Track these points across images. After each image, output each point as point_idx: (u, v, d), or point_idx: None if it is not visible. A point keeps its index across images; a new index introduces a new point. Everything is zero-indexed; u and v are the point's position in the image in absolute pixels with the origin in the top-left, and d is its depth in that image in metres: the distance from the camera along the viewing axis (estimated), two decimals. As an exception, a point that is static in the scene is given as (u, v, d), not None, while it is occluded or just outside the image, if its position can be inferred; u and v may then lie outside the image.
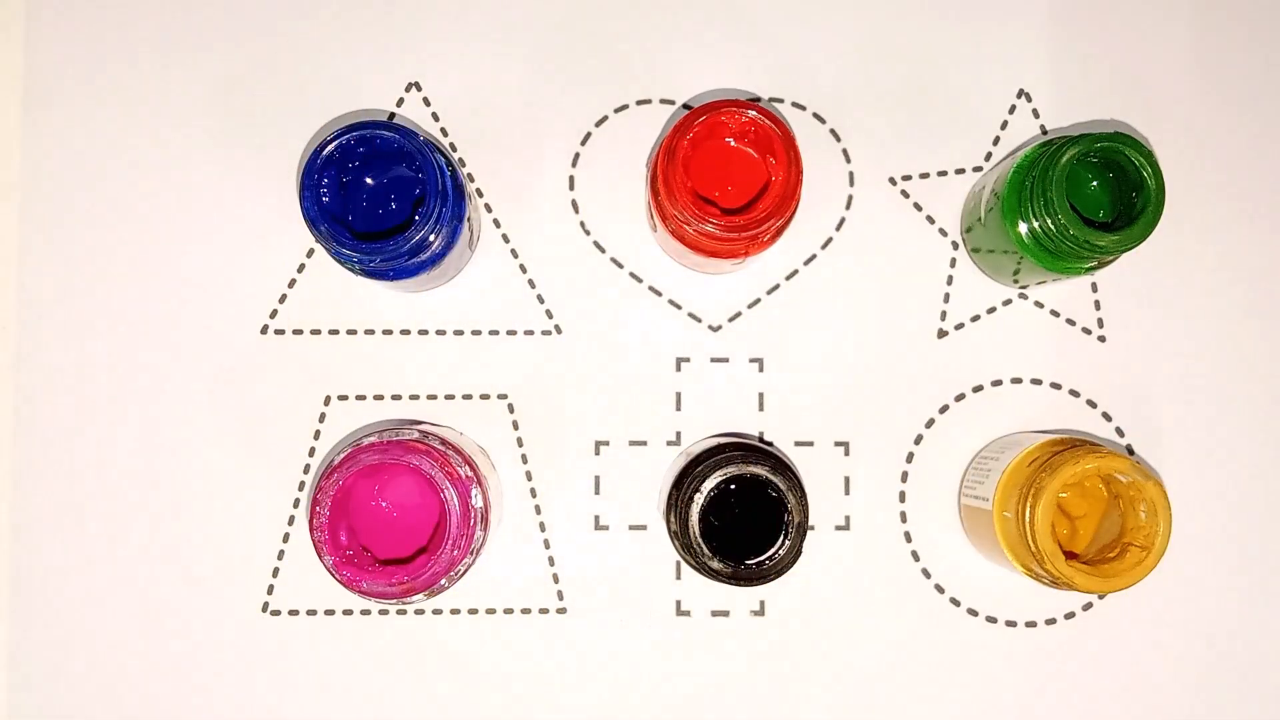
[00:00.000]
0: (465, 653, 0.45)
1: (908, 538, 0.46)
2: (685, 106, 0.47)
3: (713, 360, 0.47)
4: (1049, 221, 0.40)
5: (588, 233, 0.47)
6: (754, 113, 0.40)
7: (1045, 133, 0.47)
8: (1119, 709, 0.46)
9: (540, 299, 0.46)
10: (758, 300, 0.47)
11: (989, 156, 0.47)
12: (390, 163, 0.42)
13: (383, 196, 0.42)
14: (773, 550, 0.40)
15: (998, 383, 0.47)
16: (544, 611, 0.46)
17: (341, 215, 0.41)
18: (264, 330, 0.46)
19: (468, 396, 0.46)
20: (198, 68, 0.46)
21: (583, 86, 0.47)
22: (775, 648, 0.46)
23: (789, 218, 0.40)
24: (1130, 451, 0.46)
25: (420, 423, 0.46)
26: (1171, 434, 0.46)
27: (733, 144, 0.41)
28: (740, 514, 0.41)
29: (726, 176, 0.42)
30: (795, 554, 0.40)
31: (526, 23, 0.47)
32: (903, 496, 0.46)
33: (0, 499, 0.45)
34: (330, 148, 0.39)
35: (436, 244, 0.41)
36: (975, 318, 0.47)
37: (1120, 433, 0.47)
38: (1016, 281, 0.45)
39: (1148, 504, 0.40)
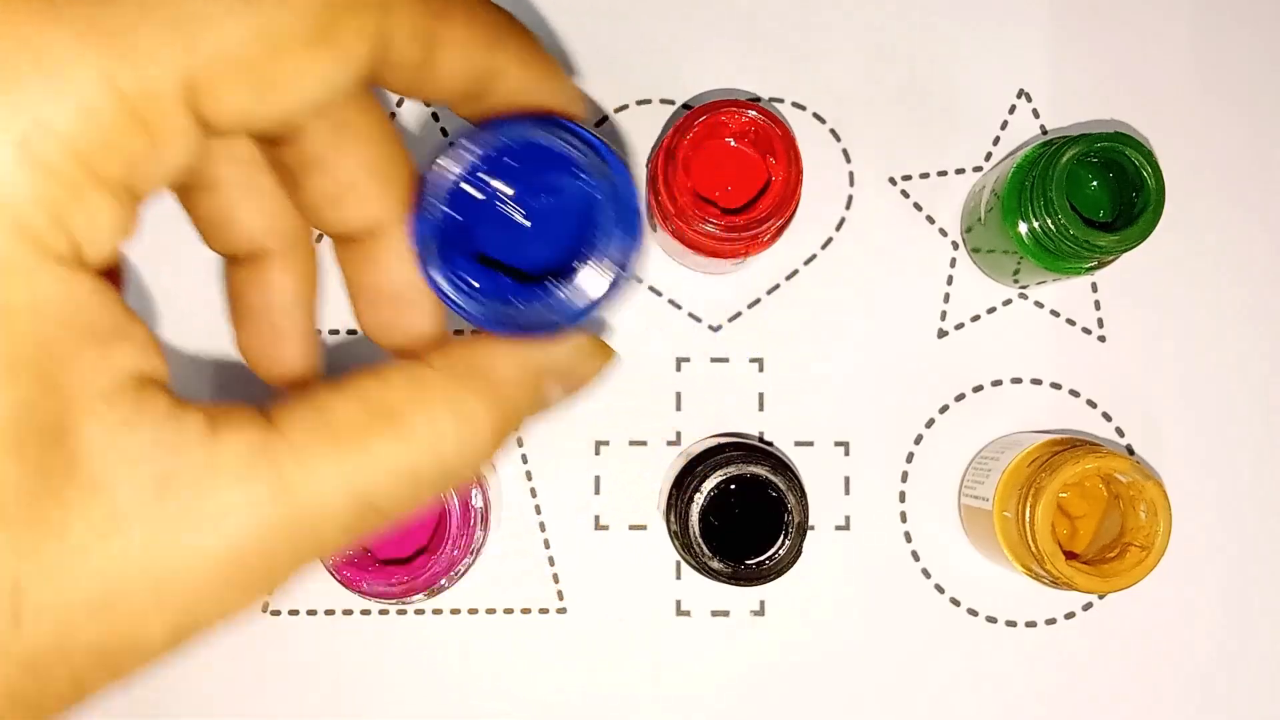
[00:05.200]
0: (465, 653, 0.45)
1: (908, 538, 0.46)
2: (685, 106, 0.47)
3: (713, 360, 0.47)
4: (1049, 221, 0.40)
5: (588, 233, 0.47)
6: (754, 113, 0.40)
7: (1045, 133, 0.47)
8: (1119, 709, 0.46)
9: (540, 299, 0.46)
10: (758, 300, 0.47)
11: (989, 156, 0.47)
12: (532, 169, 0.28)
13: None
14: (773, 550, 0.40)
15: (998, 383, 0.47)
16: (544, 611, 0.46)
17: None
18: (264, 330, 0.46)
19: (468, 396, 0.46)
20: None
21: (583, 86, 0.47)
22: (775, 648, 0.46)
23: (789, 218, 0.40)
24: (1130, 451, 0.46)
25: (420, 423, 0.46)
26: (1171, 434, 0.46)
27: (733, 144, 0.41)
28: (740, 514, 0.41)
29: (726, 176, 0.42)
30: (795, 554, 0.40)
31: (526, 23, 0.47)
32: (903, 496, 0.46)
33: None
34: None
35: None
36: (975, 318, 0.47)
37: (1120, 433, 0.47)
38: (1016, 281, 0.45)
39: (1148, 504, 0.40)
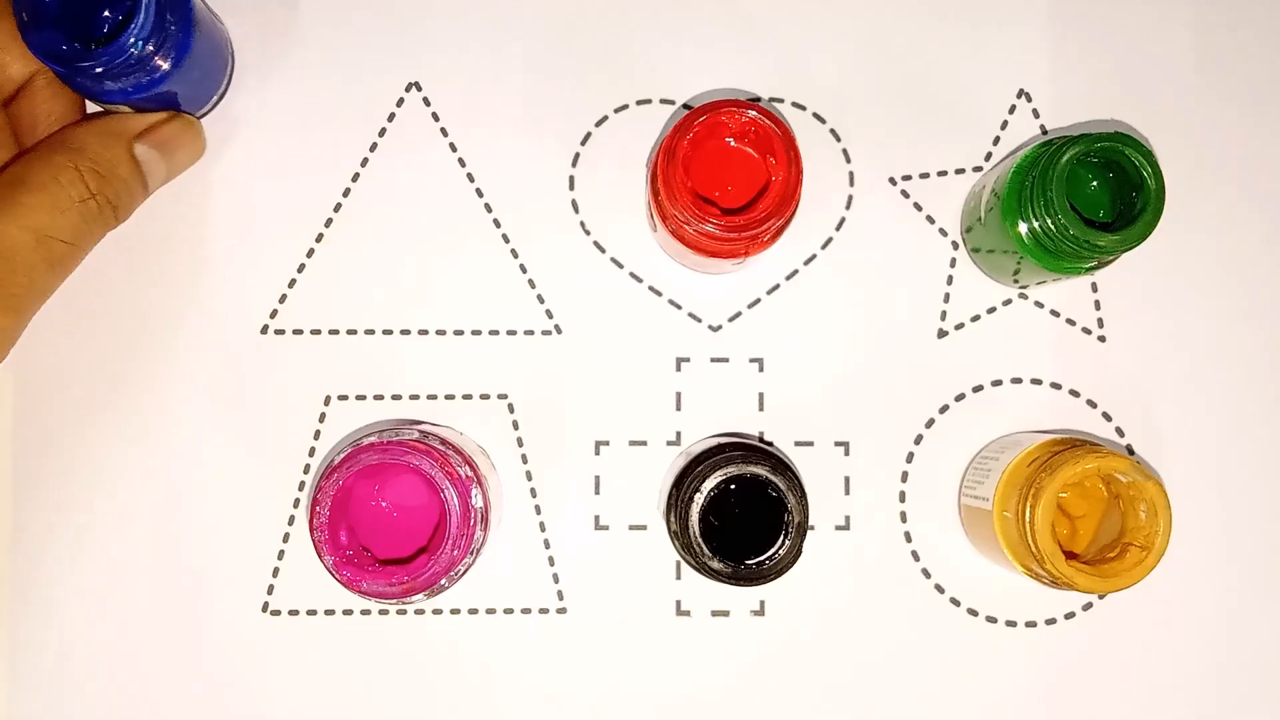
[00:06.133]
0: (465, 653, 0.45)
1: (908, 538, 0.46)
2: (685, 106, 0.47)
3: (713, 360, 0.47)
4: (1049, 221, 0.40)
5: (588, 233, 0.47)
6: (754, 113, 0.40)
7: (1045, 133, 0.47)
8: (1119, 709, 0.46)
9: (540, 299, 0.46)
10: (758, 300, 0.47)
11: (989, 156, 0.47)
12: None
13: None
14: (773, 550, 0.40)
15: (998, 383, 0.47)
16: (544, 611, 0.46)
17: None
18: (264, 330, 0.46)
19: (468, 396, 0.46)
20: (197, 67, 0.46)
21: (583, 86, 0.47)
22: (775, 648, 0.46)
23: (789, 218, 0.40)
24: (1130, 451, 0.46)
25: (420, 423, 0.46)
26: (1171, 434, 0.46)
27: (733, 144, 0.41)
28: (740, 514, 0.41)
29: (726, 176, 0.42)
30: (795, 554, 0.40)
31: (526, 23, 0.47)
32: (903, 496, 0.46)
33: (0, 499, 0.45)
34: None
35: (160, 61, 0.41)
36: (975, 318, 0.47)
37: (1120, 433, 0.47)
38: (1016, 281, 0.45)
39: (1148, 504, 0.40)
